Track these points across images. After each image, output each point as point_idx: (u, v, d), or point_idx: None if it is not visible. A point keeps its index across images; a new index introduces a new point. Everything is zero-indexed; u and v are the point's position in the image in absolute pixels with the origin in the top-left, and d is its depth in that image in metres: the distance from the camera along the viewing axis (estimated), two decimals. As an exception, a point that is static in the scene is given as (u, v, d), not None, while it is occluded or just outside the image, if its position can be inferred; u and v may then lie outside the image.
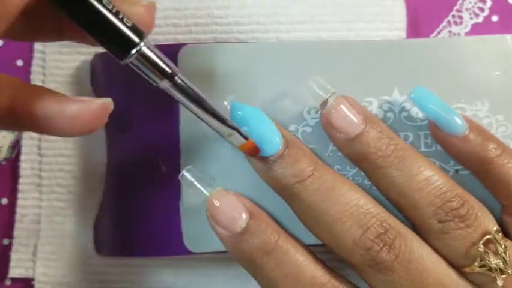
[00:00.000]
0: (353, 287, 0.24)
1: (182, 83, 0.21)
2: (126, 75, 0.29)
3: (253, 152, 0.24)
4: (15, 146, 0.31)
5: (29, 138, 0.31)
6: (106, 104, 0.21)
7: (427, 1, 0.31)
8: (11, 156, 0.31)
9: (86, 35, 0.19)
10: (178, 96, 0.21)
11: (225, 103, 0.25)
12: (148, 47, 0.19)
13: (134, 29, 0.19)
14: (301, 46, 0.26)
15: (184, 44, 0.26)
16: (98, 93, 0.30)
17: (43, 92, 0.20)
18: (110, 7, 0.19)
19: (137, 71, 0.20)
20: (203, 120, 0.22)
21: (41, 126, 0.20)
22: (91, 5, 0.18)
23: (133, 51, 0.19)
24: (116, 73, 0.29)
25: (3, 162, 0.31)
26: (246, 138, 0.23)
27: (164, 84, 0.20)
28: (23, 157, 0.31)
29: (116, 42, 0.19)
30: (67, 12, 0.18)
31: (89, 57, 0.31)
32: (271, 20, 0.30)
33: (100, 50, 0.30)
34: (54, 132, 0.20)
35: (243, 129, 0.23)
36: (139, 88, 0.29)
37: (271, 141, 0.24)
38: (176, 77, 0.20)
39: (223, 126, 0.23)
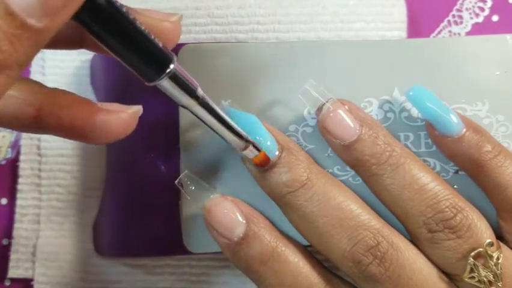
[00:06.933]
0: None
1: (204, 100, 0.21)
2: (126, 75, 0.29)
3: (265, 162, 0.23)
4: (15, 146, 0.31)
5: (29, 138, 0.31)
6: (136, 112, 0.21)
7: (427, 1, 0.31)
8: (11, 156, 0.31)
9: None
10: (201, 113, 0.21)
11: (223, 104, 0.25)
12: (176, 68, 0.19)
13: (164, 50, 0.19)
14: (301, 46, 0.26)
15: (184, 44, 0.26)
16: (98, 93, 0.30)
17: (71, 100, 0.20)
18: (142, 28, 0.18)
19: (164, 91, 0.20)
20: (221, 136, 0.22)
21: (69, 135, 0.20)
22: (126, 26, 0.17)
23: (167, 71, 0.19)
24: (116, 73, 0.29)
25: (3, 162, 0.31)
26: (259, 150, 0.23)
27: (189, 102, 0.20)
28: (22, 157, 0.31)
29: (147, 65, 0.19)
30: (95, 35, 0.17)
31: (89, 57, 0.31)
32: (271, 20, 0.30)
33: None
34: (82, 140, 0.20)
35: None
36: (139, 88, 0.29)
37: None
38: (199, 95, 0.20)
39: (239, 140, 0.22)
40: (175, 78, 0.19)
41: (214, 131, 0.22)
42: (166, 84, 0.19)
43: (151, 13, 0.20)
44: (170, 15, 0.21)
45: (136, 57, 0.18)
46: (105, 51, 0.21)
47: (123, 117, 0.20)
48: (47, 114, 0.19)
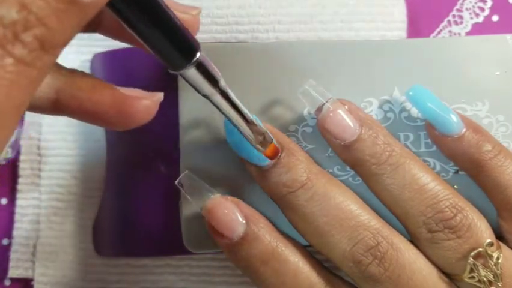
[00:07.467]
0: None
1: (226, 91, 0.21)
2: (126, 75, 0.29)
3: (276, 153, 0.23)
4: (15, 146, 0.31)
5: (29, 138, 0.31)
6: (159, 100, 0.20)
7: (427, 1, 0.31)
8: (11, 156, 0.31)
9: (123, 31, 0.17)
10: (222, 103, 0.21)
11: None
12: (202, 57, 0.19)
13: (191, 38, 0.19)
14: (301, 46, 0.26)
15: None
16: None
17: (92, 83, 0.19)
18: (173, 15, 0.18)
19: (187, 79, 0.19)
20: (237, 127, 0.22)
21: (91, 119, 0.19)
22: (160, 12, 0.17)
23: (194, 59, 0.18)
24: (116, 73, 0.29)
25: (3, 162, 0.31)
26: (269, 141, 0.23)
27: (212, 92, 0.20)
28: (22, 157, 0.31)
29: (176, 52, 0.18)
30: (125, 20, 0.17)
31: (89, 57, 0.31)
32: (271, 20, 0.30)
33: (100, 49, 0.30)
34: (103, 125, 0.20)
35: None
36: (139, 87, 0.29)
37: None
38: (221, 85, 0.20)
39: (255, 133, 0.22)
40: (201, 67, 0.19)
41: (231, 121, 0.22)
42: (191, 72, 0.19)
43: (172, 4, 0.20)
44: (191, 8, 0.21)
45: (166, 44, 0.18)
46: (123, 37, 0.20)
47: (146, 104, 0.20)
48: (66, 97, 0.19)
